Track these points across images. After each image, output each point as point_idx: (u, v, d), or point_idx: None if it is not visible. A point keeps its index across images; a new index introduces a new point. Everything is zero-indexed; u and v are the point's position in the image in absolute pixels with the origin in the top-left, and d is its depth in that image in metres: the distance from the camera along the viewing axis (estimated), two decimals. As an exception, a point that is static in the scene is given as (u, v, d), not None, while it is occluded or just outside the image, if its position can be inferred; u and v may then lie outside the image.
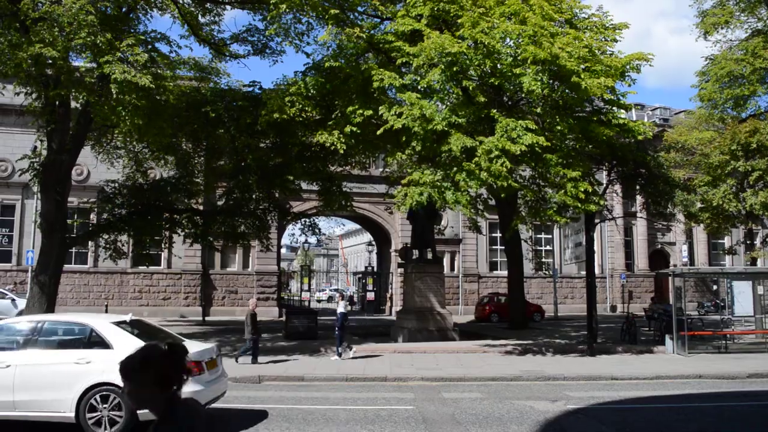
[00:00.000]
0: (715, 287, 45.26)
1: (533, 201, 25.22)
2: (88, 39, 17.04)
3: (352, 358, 19.04)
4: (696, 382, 15.52)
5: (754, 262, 32.78)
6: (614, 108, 20.79)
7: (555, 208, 19.61)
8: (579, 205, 17.73)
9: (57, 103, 21.03)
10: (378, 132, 18.03)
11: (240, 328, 30.68)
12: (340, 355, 19.15)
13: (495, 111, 18.07)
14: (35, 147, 25.71)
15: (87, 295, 37.16)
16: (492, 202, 29.57)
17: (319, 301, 64.33)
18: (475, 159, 16.81)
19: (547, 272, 43.76)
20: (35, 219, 26.69)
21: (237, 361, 17.46)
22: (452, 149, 16.87)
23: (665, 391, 14.34)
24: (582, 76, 17.03)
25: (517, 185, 18.12)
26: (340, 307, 19.54)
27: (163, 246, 31.87)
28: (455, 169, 17.20)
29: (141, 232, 25.43)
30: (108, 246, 25.12)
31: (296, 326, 24.00)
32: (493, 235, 43.91)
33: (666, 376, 16.14)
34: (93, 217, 32.81)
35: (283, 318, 27.91)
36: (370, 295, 45.30)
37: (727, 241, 47.80)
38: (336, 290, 73.89)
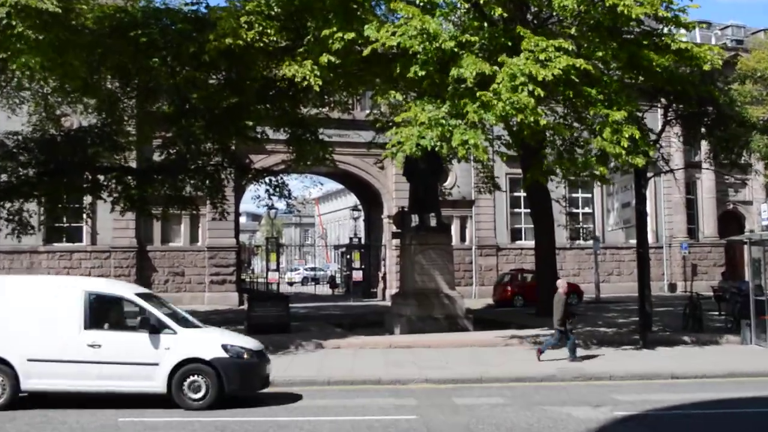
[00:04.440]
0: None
1: (566, 145, 25.13)
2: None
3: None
4: (781, 381, 15.71)
5: None
6: (671, 28, 20.58)
7: (593, 156, 19.51)
8: (622, 154, 17.63)
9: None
10: (364, 53, 17.76)
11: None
12: None
13: (520, 27, 17.84)
14: None
15: (-13, 280, 37.07)
16: (513, 152, 29.50)
17: (291, 283, 64.46)
18: (493, 86, 16.61)
19: (586, 241, 44.06)
20: None
21: (539, 359, 17.58)
22: (465, 76, 16.68)
23: (741, 392, 14.50)
24: None
25: (546, 122, 17.98)
26: None
27: (84, 216, 31.72)
28: (466, 100, 17.09)
29: (55, 198, 25.23)
30: (11, 218, 24.91)
31: (262, 316, 23.98)
32: (516, 194, 43.92)
33: (742, 373, 16.30)
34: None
35: (245, 306, 27.97)
36: (357, 275, 45.43)
37: (819, 199, 48.11)
38: (313, 269, 74.09)
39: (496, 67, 16.82)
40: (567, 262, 44.24)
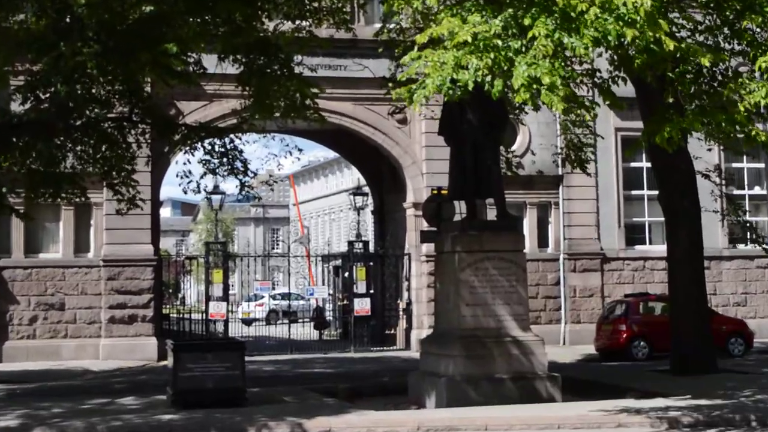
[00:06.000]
0: None
1: (708, 80, 24.91)
2: None
3: None
4: None
5: None
6: None
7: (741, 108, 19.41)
8: None
9: None
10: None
11: (77, 385, 30.60)
12: None
13: None
14: None
15: None
16: (625, 91, 29.18)
17: (248, 321, 64.36)
18: None
19: (756, 245, 43.83)
20: None
21: None
22: None
23: None
24: None
25: (676, 45, 17.93)
26: None
27: None
28: (534, 11, 17.10)
29: None
30: None
31: (198, 378, 23.95)
32: (633, 164, 43.79)
33: None
34: None
35: (169, 361, 28.01)
36: (362, 305, 45.33)
37: None
38: (287, 296, 74.08)
39: None
40: (724, 282, 44.08)
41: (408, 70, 17.97)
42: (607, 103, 26.85)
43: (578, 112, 26.73)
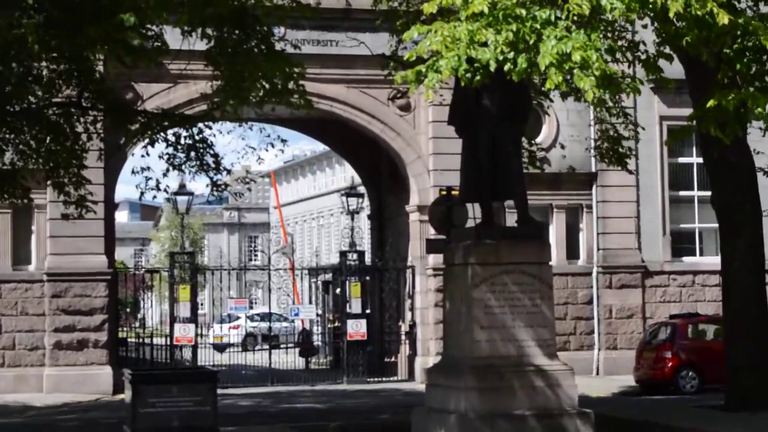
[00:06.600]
0: None
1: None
2: None
3: None
4: None
5: None
6: None
7: None
8: None
9: None
10: None
11: (16, 424, 30.60)
12: None
13: None
14: None
15: None
16: (672, 72, 29.09)
17: (221, 346, 64.43)
18: None
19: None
20: None
21: None
22: None
23: None
24: None
25: (728, 17, 17.84)
26: None
27: None
28: None
29: None
30: None
31: (161, 416, 23.99)
32: (681, 160, 43.73)
33: None
34: None
35: (126, 395, 27.99)
36: (357, 328, 45.31)
37: None
38: (266, 317, 74.22)
39: None
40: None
41: (417, 47, 17.82)
42: (651, 85, 26.74)
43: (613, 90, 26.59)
